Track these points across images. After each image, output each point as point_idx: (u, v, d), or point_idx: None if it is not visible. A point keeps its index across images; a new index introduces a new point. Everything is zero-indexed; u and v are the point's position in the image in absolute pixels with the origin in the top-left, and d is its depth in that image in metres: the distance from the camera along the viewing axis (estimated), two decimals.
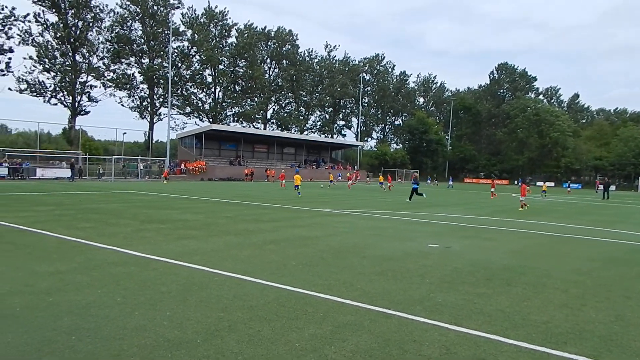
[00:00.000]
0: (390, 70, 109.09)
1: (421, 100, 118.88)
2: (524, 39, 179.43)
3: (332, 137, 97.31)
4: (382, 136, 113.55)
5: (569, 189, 59.82)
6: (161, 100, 75.73)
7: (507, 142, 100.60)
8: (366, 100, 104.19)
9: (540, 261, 9.97)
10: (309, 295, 6.67)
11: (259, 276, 7.65)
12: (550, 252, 11.41)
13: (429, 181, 71.77)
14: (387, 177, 48.39)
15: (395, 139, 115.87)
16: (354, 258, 9.53)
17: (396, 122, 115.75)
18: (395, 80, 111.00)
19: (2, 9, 56.07)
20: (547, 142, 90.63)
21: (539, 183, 58.56)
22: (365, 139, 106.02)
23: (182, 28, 76.34)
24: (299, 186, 32.10)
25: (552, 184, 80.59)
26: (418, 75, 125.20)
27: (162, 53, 74.15)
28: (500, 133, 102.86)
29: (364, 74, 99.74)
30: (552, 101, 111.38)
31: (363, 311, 6.04)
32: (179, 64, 77.12)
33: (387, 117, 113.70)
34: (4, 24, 56.84)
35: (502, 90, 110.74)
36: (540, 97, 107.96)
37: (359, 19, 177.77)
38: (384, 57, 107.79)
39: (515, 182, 66.70)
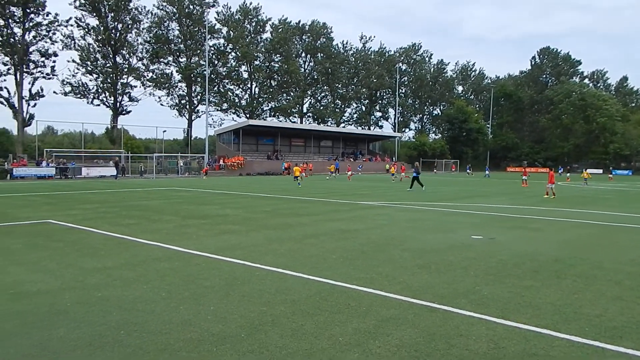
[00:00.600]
0: (427, 59, 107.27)
1: (460, 88, 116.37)
2: (567, 22, 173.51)
3: (369, 128, 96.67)
4: (420, 126, 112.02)
5: (610, 176, 57.57)
6: (199, 97, 76.88)
7: (551, 128, 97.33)
8: (403, 91, 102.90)
9: (591, 252, 9.61)
10: (350, 289, 6.61)
11: (300, 270, 7.64)
12: (602, 242, 10.98)
13: (469, 170, 70.32)
14: (401, 167, 47.73)
15: (433, 129, 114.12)
16: (395, 251, 9.42)
17: (434, 112, 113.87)
18: (432, 69, 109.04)
19: (47, 15, 57.97)
20: (593, 127, 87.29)
21: (591, 170, 56.25)
22: (403, 129, 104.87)
23: (217, 26, 77.11)
24: (298, 177, 34.83)
25: (600, 171, 77.74)
26: (456, 64, 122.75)
27: (198, 51, 75.17)
28: (544, 120, 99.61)
29: (400, 64, 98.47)
30: (599, 85, 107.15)
31: (406, 305, 5.94)
32: (216, 62, 78.03)
33: (425, 107, 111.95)
34: (48, 29, 58.72)
35: (544, 76, 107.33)
36: (586, 81, 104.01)
37: (393, 10, 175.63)
38: (421, 46, 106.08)
39: (560, 170, 64.55)
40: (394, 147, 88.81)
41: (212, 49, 76.33)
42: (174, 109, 77.36)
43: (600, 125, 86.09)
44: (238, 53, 78.30)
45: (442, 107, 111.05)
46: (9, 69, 56.79)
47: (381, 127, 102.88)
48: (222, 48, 78.67)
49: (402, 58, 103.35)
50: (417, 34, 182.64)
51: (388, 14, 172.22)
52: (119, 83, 67.39)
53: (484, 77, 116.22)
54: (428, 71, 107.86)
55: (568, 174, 53.27)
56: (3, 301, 5.97)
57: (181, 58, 76.29)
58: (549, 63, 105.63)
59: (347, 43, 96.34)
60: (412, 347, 4.59)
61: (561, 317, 5.51)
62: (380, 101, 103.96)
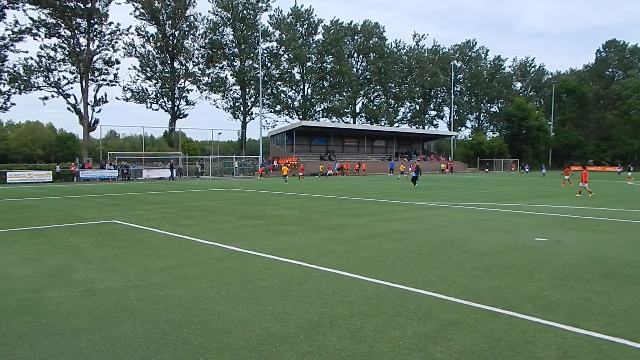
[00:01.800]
0: (483, 55, 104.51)
1: (518, 85, 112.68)
2: (635, 12, 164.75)
3: (423, 128, 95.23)
4: (476, 125, 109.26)
5: None
6: (252, 100, 78.17)
7: (619, 125, 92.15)
8: (458, 89, 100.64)
9: None
10: (409, 292, 6.49)
11: (357, 271, 7.58)
12: None
13: (527, 169, 67.87)
14: (412, 166, 46.55)
15: (491, 127, 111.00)
16: (454, 253, 9.19)
17: (492, 110, 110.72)
18: (489, 65, 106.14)
19: (109, 25, 60.75)
20: None
21: None
22: (459, 128, 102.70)
23: (270, 29, 78.26)
24: (287, 176, 38.04)
25: None
26: (514, 59, 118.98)
27: (252, 55, 76.43)
28: (611, 116, 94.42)
29: (455, 62, 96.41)
30: None
31: (468, 309, 5.76)
32: (269, 64, 79.10)
33: (482, 105, 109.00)
34: (110, 38, 61.54)
35: (610, 70, 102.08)
36: None
37: (446, 5, 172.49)
38: (476, 42, 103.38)
39: (619, 168, 61.03)
40: (450, 146, 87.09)
41: (265, 52, 77.44)
42: (228, 111, 79.09)
43: None
44: (290, 55, 79.09)
45: (499, 105, 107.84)
46: (75, 77, 59.98)
47: (436, 126, 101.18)
48: (275, 51, 79.68)
49: (457, 55, 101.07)
50: (472, 30, 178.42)
51: (441, 10, 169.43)
52: (177, 88, 69.49)
53: (544, 72, 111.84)
54: (484, 68, 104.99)
55: (629, 173, 50.45)
56: (75, 298, 6.24)
57: (235, 62, 77.86)
58: (616, 56, 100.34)
59: (399, 42, 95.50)
60: (476, 353, 4.44)
61: (637, 326, 5.18)
62: (434, 99, 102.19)
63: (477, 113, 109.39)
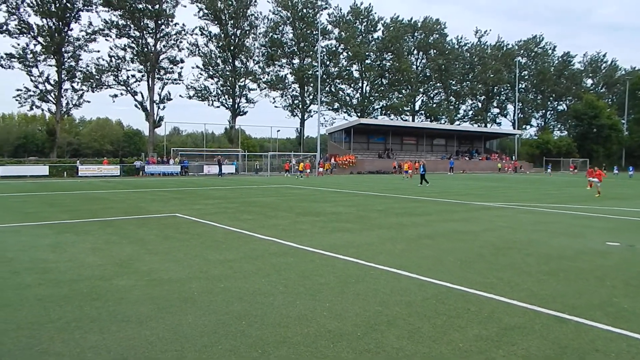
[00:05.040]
0: (550, 51, 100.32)
1: (589, 81, 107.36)
2: None
3: (485, 126, 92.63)
4: (542, 123, 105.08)
5: None
6: (311, 97, 78.71)
7: None
8: (523, 86, 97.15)
9: None
10: (469, 293, 6.32)
11: (415, 271, 7.46)
12: None
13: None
14: (415, 164, 44.70)
15: (558, 126, 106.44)
16: (517, 255, 8.87)
17: (559, 107, 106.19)
18: (556, 61, 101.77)
19: (175, 26, 63.02)
20: None
21: None
22: (523, 126, 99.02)
23: (329, 27, 78.50)
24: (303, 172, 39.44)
25: None
26: (584, 55, 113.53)
27: (311, 53, 76.96)
28: None
29: (520, 58, 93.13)
30: None
31: (532, 313, 5.54)
32: (327, 62, 79.38)
33: (549, 103, 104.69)
34: (176, 38, 63.84)
35: None
36: None
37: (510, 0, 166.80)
38: (542, 37, 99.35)
39: None
40: (514, 145, 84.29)
41: (324, 50, 77.74)
42: (287, 109, 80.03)
43: None
44: (349, 53, 79.06)
45: (568, 102, 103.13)
46: (142, 76, 62.70)
47: (499, 124, 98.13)
48: (334, 49, 79.88)
49: (522, 51, 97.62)
50: (539, 25, 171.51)
51: (507, 4, 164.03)
52: (237, 86, 71.04)
53: (616, 68, 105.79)
54: (551, 64, 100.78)
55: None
56: (140, 287, 6.50)
57: (294, 60, 78.65)
58: None
59: (461, 38, 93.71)
60: None
61: None
62: (497, 97, 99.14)
63: (544, 111, 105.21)
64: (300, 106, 79.15)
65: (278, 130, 66.51)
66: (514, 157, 79.10)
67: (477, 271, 7.57)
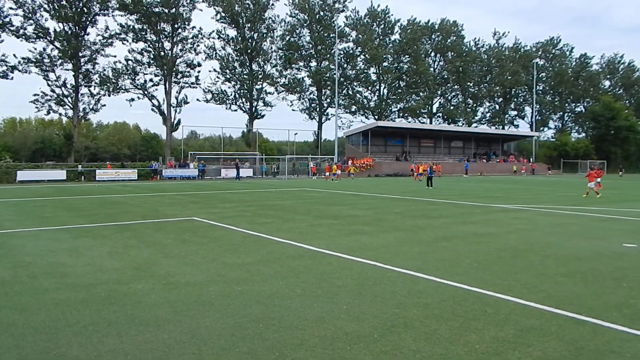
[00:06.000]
0: (567, 53, 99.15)
1: (607, 83, 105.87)
2: None
3: (503, 128, 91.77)
4: (560, 125, 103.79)
5: None
6: (328, 100, 78.75)
7: None
8: (541, 88, 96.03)
9: None
10: (486, 295, 6.31)
11: (432, 273, 7.46)
12: None
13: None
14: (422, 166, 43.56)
15: (576, 128, 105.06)
16: (535, 257, 8.81)
17: (577, 109, 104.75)
18: (574, 63, 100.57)
19: (192, 29, 63.53)
20: None
21: None
22: (541, 128, 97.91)
23: (346, 30, 78.52)
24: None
25: None
26: (602, 56, 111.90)
27: (328, 56, 77.06)
28: None
29: (538, 60, 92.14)
30: None
31: (549, 315, 5.53)
32: (345, 65, 79.41)
33: (566, 104, 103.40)
34: (193, 42, 64.36)
35: None
36: None
37: (529, 1, 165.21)
38: (560, 39, 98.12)
39: None
40: (531, 147, 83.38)
41: (342, 52, 77.82)
42: (304, 112, 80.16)
43: None
44: (367, 55, 78.98)
45: (585, 104, 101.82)
46: (159, 80, 63.25)
47: (517, 126, 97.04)
48: (351, 51, 79.88)
49: (540, 53, 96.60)
50: (557, 27, 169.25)
51: (526, 6, 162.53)
52: (255, 89, 71.41)
53: (634, 69, 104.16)
54: (569, 66, 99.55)
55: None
56: (158, 290, 6.59)
57: (312, 63, 78.86)
58: None
59: (479, 40, 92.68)
60: None
61: None
62: (515, 99, 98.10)
63: (561, 113, 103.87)
64: (318, 109, 79.26)
65: (295, 134, 66.54)
66: (531, 159, 78.21)
67: (494, 273, 7.55)
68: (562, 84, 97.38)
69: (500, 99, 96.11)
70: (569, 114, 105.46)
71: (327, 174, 48.33)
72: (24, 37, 55.23)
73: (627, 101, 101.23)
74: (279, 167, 56.69)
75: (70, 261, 8.45)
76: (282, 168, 54.95)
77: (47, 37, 56.43)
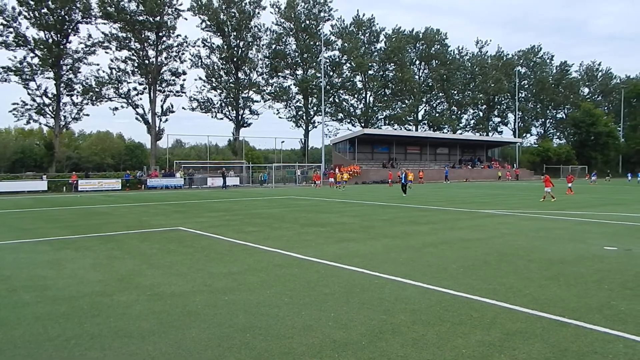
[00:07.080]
0: (548, 61, 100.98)
1: (586, 90, 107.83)
2: None
3: (487, 135, 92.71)
4: (542, 131, 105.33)
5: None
6: (315, 108, 78.89)
7: None
8: (523, 95, 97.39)
9: None
10: (473, 300, 6.36)
11: (420, 279, 7.50)
12: None
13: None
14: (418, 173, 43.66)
15: (557, 134, 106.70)
16: (520, 261, 8.91)
17: (558, 116, 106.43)
18: (554, 71, 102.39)
19: (177, 37, 63.27)
20: None
21: None
22: (524, 135, 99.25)
23: (332, 38, 78.92)
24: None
25: None
26: (580, 64, 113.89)
27: (314, 64, 77.33)
28: None
29: (520, 68, 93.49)
30: None
31: (534, 318, 5.60)
32: (331, 73, 79.74)
33: (548, 111, 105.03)
34: (178, 50, 64.07)
35: None
36: None
37: (514, 10, 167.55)
38: (541, 48, 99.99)
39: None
40: (515, 153, 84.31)
41: (328, 61, 78.16)
42: (291, 120, 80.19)
43: None
44: (353, 64, 79.39)
45: (566, 111, 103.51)
46: (144, 88, 62.71)
47: (500, 133, 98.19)
48: (337, 60, 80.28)
49: (521, 61, 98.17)
50: (538, 36, 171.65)
51: (507, 16, 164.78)
52: (241, 97, 71.27)
53: (611, 77, 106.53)
54: (550, 73, 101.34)
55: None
56: (142, 302, 6.51)
57: (298, 71, 79.05)
58: None
59: (462, 48, 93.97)
60: None
61: None
62: (498, 106, 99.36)
63: (543, 119, 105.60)
64: (305, 117, 79.37)
65: (282, 142, 66.62)
66: (515, 164, 79.05)
67: (480, 278, 7.61)
68: (543, 91, 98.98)
69: (484, 106, 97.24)
70: (551, 120, 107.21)
71: (332, 180, 48.23)
72: (3, 45, 54.07)
73: (605, 107, 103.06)
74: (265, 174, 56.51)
75: (51, 274, 8.28)
76: (270, 176, 54.84)
77: (28, 45, 55.32)
